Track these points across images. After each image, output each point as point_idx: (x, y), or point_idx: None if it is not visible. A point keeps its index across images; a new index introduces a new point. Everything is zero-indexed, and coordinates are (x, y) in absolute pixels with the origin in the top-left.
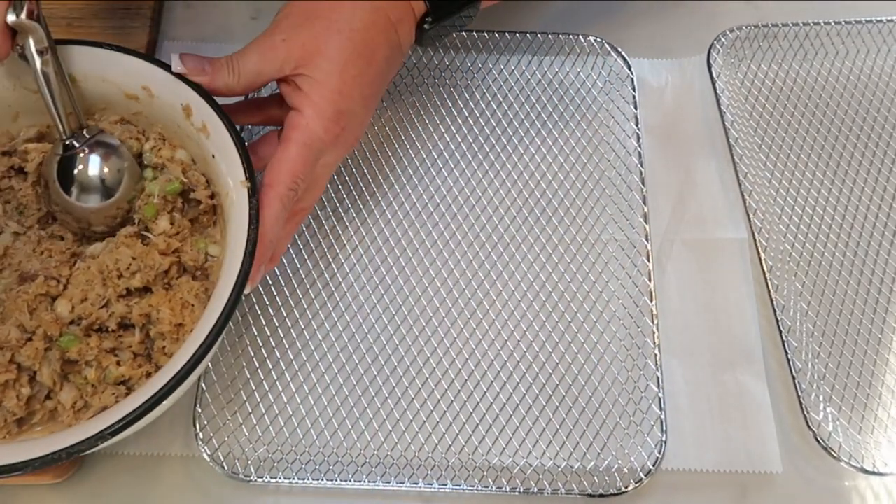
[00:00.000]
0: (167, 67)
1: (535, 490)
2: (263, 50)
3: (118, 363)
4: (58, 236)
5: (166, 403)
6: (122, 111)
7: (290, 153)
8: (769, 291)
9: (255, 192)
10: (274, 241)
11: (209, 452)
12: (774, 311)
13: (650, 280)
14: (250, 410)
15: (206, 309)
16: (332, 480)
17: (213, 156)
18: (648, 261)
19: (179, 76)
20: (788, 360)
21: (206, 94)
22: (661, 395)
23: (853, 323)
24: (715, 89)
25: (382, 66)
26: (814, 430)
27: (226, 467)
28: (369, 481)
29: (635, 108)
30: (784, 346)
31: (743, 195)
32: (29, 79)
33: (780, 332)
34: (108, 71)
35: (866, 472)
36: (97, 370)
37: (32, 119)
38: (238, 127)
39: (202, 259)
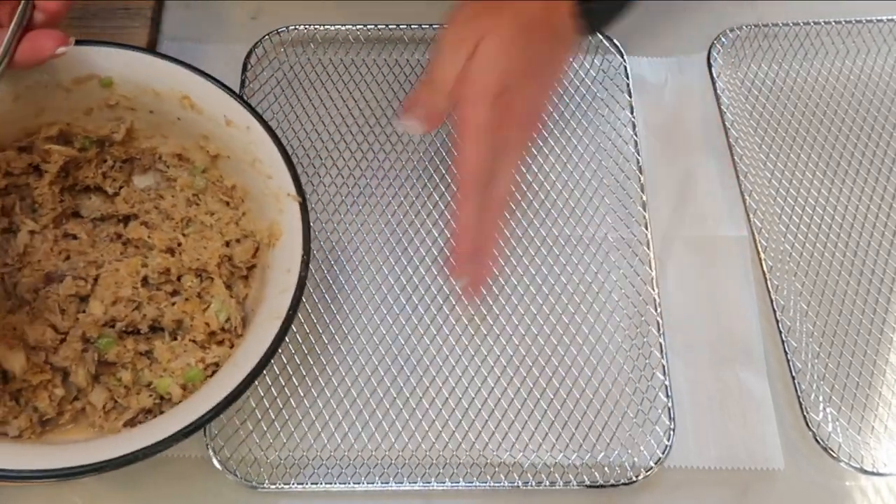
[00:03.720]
0: (203, 73)
1: (547, 483)
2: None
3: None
4: (71, 235)
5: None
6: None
7: (464, 143)
8: (769, 291)
9: (306, 209)
10: (471, 237)
11: (221, 461)
12: (774, 311)
13: (652, 278)
14: (260, 417)
15: (259, 319)
16: (333, 483)
17: (268, 177)
18: (650, 259)
19: (217, 82)
20: (788, 360)
21: (244, 100)
22: (667, 383)
23: (853, 323)
24: (715, 89)
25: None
26: (813, 430)
27: (239, 475)
28: (382, 483)
29: (635, 107)
30: (784, 346)
31: (743, 195)
32: (63, 75)
33: (780, 332)
34: (155, 81)
35: (866, 472)
36: (132, 372)
37: (54, 115)
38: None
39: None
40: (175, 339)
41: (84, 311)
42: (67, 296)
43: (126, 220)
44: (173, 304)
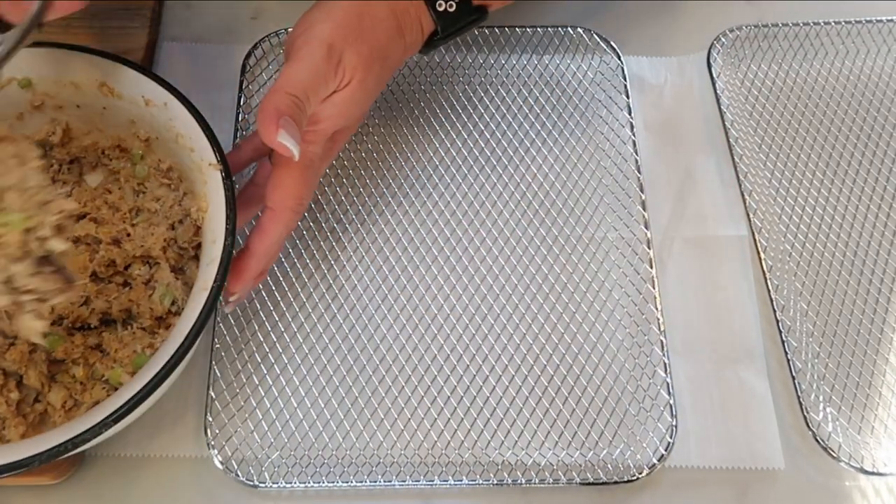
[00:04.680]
0: (114, 56)
1: (550, 481)
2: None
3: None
4: None
5: (166, 384)
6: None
7: (293, 176)
8: (769, 291)
9: (228, 175)
10: (265, 264)
11: (222, 460)
12: (774, 310)
13: (652, 277)
14: (261, 417)
15: (193, 290)
16: (336, 482)
17: (191, 150)
18: (650, 258)
19: (129, 62)
20: (788, 359)
21: (158, 77)
22: (668, 380)
23: (853, 323)
24: (715, 89)
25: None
26: (813, 430)
27: (240, 474)
28: (385, 481)
29: (634, 107)
30: (784, 345)
31: (743, 195)
32: None
33: (780, 331)
34: (71, 72)
35: (866, 472)
36: (84, 367)
37: None
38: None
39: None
40: (127, 329)
41: None
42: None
43: (80, 219)
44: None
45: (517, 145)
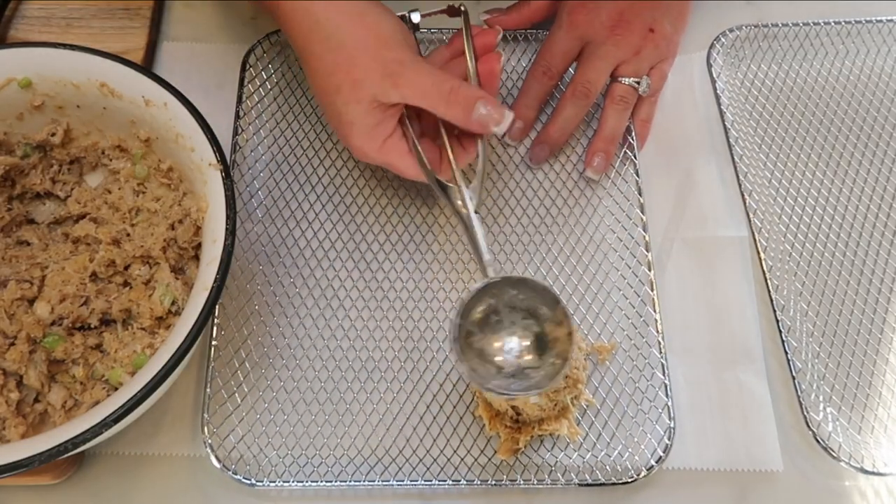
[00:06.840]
0: (113, 56)
1: (549, 482)
2: None
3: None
4: (24, 242)
5: (166, 384)
6: (93, 110)
7: None
8: (769, 291)
9: (228, 175)
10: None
11: (219, 459)
12: (774, 311)
13: (650, 279)
14: (259, 416)
15: (193, 290)
16: (333, 482)
17: (191, 150)
18: (648, 260)
19: (128, 63)
20: (788, 360)
21: (158, 77)
22: (667, 382)
23: (853, 323)
24: (715, 89)
25: None
26: (813, 430)
27: (237, 473)
28: (382, 481)
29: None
30: (784, 346)
31: (743, 195)
32: None
33: (780, 332)
34: (71, 73)
35: (866, 472)
36: (84, 367)
37: None
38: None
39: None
40: (127, 329)
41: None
42: (14, 300)
43: (80, 219)
44: (122, 294)
45: (515, 146)
